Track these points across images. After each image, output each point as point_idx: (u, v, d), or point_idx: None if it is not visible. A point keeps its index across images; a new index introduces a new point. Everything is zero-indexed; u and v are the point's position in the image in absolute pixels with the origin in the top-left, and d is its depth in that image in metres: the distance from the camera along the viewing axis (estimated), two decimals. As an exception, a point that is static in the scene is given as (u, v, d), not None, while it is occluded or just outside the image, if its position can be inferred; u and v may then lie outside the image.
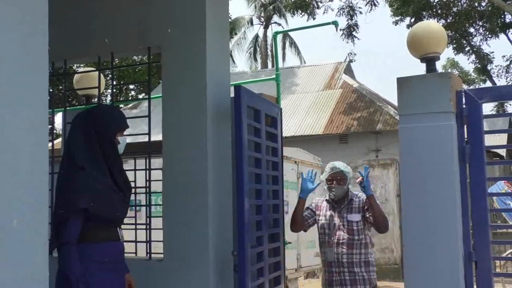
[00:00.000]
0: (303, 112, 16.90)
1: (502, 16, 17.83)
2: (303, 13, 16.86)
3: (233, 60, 29.03)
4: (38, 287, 1.56)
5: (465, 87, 3.30)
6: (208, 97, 3.21)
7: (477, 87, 23.23)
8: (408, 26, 17.40)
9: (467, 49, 20.54)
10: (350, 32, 16.95)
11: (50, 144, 3.30)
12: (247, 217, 3.13)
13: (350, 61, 18.21)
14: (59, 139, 6.69)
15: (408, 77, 2.93)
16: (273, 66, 23.22)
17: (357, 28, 16.98)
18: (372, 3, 16.57)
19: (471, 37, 20.01)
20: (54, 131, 9.89)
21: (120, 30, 3.56)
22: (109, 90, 12.92)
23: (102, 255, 2.66)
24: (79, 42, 3.69)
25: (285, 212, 4.25)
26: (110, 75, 6.28)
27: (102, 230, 2.70)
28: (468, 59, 28.16)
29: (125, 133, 2.91)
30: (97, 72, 4.03)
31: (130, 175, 3.12)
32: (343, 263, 3.80)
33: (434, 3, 17.69)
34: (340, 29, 16.63)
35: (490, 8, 17.18)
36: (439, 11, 17.87)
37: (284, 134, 4.31)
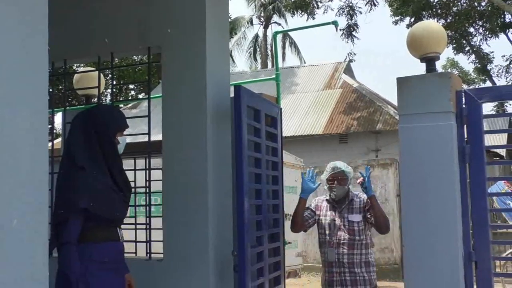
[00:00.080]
0: (303, 112, 16.88)
1: (502, 16, 17.83)
2: (303, 13, 16.85)
3: (233, 60, 29.04)
4: (38, 287, 1.55)
5: (465, 87, 3.30)
6: (208, 97, 3.21)
7: (477, 87, 23.26)
8: (408, 26, 17.41)
9: (467, 49, 20.55)
10: (350, 32, 16.93)
11: (50, 144, 3.30)
12: (247, 217, 3.13)
13: (350, 61, 18.19)
14: (59, 139, 6.69)
15: (408, 77, 2.93)
16: (273, 66, 23.23)
17: (357, 28, 16.98)
18: (372, 3, 16.57)
19: (471, 37, 20.03)
20: (54, 131, 9.88)
21: (120, 30, 3.57)
22: (109, 90, 12.94)
23: (102, 255, 2.66)
24: (79, 42, 3.69)
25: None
26: (110, 75, 6.28)
27: (102, 230, 2.69)
28: (468, 59, 28.23)
29: (125, 133, 2.91)
30: (97, 72, 4.03)
31: (130, 175, 3.12)
32: (343, 264, 3.79)
33: (434, 3, 17.68)
34: (340, 29, 16.62)
35: (490, 8, 17.17)
36: (439, 11, 17.86)
37: (284, 134, 4.31)
